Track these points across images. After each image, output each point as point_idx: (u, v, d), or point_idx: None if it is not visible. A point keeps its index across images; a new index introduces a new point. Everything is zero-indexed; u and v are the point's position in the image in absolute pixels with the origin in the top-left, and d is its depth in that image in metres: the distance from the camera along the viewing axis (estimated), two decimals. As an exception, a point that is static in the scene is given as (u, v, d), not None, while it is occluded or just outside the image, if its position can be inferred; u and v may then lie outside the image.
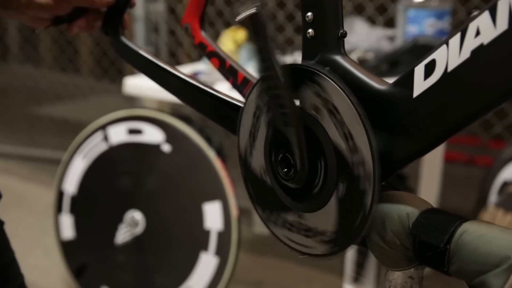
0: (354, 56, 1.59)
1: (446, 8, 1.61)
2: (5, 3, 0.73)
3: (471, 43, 0.43)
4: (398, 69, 1.49)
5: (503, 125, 2.13)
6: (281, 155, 0.54)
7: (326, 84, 0.51)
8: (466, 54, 0.43)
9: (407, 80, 0.48)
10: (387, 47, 1.65)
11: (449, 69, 0.44)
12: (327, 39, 0.54)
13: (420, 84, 0.47)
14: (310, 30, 0.55)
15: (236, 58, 1.70)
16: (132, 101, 2.38)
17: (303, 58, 0.56)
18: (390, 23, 1.97)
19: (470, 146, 2.53)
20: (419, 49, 1.48)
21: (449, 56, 0.44)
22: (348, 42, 1.65)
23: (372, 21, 2.11)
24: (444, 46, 0.45)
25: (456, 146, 2.51)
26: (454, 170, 2.41)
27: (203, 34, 0.77)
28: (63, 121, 3.46)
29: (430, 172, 1.75)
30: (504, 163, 1.57)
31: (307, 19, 0.54)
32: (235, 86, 0.71)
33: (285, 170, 0.54)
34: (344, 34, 0.54)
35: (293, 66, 0.54)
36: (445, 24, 1.60)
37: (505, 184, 1.53)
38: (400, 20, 1.66)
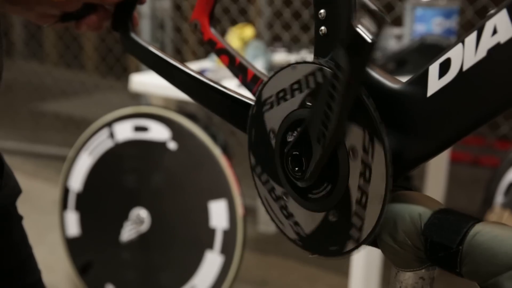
0: (361, 55, 1.59)
1: (454, 7, 1.60)
2: None
3: (488, 41, 0.42)
4: (405, 68, 1.49)
5: (510, 125, 2.12)
6: (290, 158, 0.54)
7: (326, 74, 0.50)
8: (482, 53, 0.43)
9: (421, 79, 0.47)
10: (394, 46, 1.64)
11: (465, 68, 0.44)
12: (340, 37, 0.53)
13: (435, 83, 0.46)
14: (322, 28, 0.54)
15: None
16: (138, 98, 2.39)
17: (315, 55, 0.55)
18: (397, 21, 1.97)
19: (476, 146, 2.52)
20: (427, 48, 1.47)
21: (465, 54, 0.44)
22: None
23: (379, 19, 2.09)
24: (460, 44, 0.44)
25: (462, 147, 2.50)
26: (460, 170, 2.40)
27: (212, 31, 0.76)
28: (68, 118, 3.46)
29: (436, 172, 1.75)
30: (510, 164, 1.56)
31: (319, 16, 0.54)
32: (245, 83, 0.71)
33: (296, 168, 0.54)
34: (357, 32, 0.53)
35: (305, 64, 0.53)
36: (452, 23, 1.60)
37: (511, 185, 1.53)
38: (407, 19, 1.65)
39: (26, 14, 0.76)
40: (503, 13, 0.41)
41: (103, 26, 0.80)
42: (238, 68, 0.71)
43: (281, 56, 1.73)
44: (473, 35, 0.43)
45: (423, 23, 1.59)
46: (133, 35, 0.76)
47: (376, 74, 0.51)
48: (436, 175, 1.75)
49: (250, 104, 0.61)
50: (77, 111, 3.52)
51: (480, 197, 1.63)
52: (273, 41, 2.33)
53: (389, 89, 0.49)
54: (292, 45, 1.92)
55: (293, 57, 1.74)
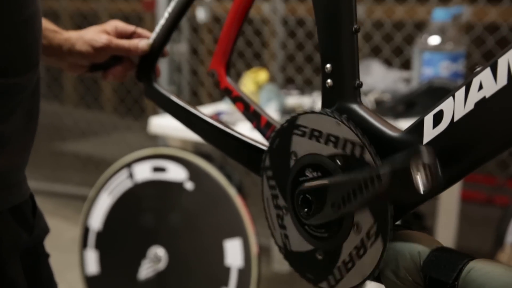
0: (371, 97, 1.64)
1: (461, 51, 1.66)
2: (48, 50, 0.79)
3: (475, 96, 0.47)
4: (414, 110, 1.53)
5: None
6: (301, 196, 0.58)
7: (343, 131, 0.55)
8: (470, 106, 0.48)
9: (418, 128, 0.52)
10: (403, 88, 1.70)
11: (455, 119, 0.49)
12: (344, 89, 0.58)
13: (429, 132, 0.51)
14: (329, 81, 0.59)
15: (257, 99, 1.77)
16: (154, 138, 2.45)
17: (323, 106, 0.60)
18: (406, 65, 2.03)
19: (488, 185, 2.54)
20: (435, 91, 1.52)
21: (455, 107, 0.49)
22: (366, 83, 1.70)
23: (388, 63, 2.16)
24: (451, 98, 0.49)
25: (473, 186, 2.52)
26: (471, 209, 2.41)
27: (228, 80, 0.82)
28: (87, 158, 3.54)
29: (447, 211, 1.77)
30: (521, 203, 1.58)
31: (326, 70, 0.59)
32: (259, 128, 0.76)
33: (306, 210, 0.58)
34: (360, 85, 0.59)
35: (313, 113, 0.58)
36: (459, 66, 1.65)
37: (522, 224, 1.54)
38: (416, 63, 1.70)
39: (59, 64, 0.83)
40: (488, 71, 0.47)
41: (128, 76, 0.87)
42: (253, 115, 0.76)
43: (293, 100, 1.79)
44: (462, 89, 0.48)
45: (431, 66, 1.64)
46: (155, 85, 0.82)
47: (376, 123, 0.56)
48: (447, 214, 1.77)
49: (263, 150, 0.66)
50: (96, 151, 3.61)
51: (492, 236, 1.65)
52: (286, 84, 2.40)
53: (389, 137, 0.54)
54: (305, 88, 1.98)
55: (305, 100, 1.80)
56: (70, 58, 0.81)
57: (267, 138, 0.73)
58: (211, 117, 0.75)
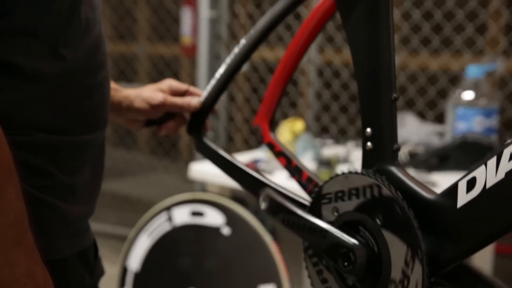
0: (405, 149, 1.68)
1: (494, 107, 1.69)
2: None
3: (506, 166, 0.52)
4: (447, 164, 1.56)
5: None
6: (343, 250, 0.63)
7: (382, 191, 0.60)
8: (501, 174, 0.52)
9: (452, 193, 0.56)
10: (436, 142, 1.73)
11: (488, 186, 0.53)
12: (383, 152, 0.63)
13: (463, 197, 0.55)
14: (369, 143, 0.64)
15: (293, 148, 1.82)
16: (190, 180, 2.52)
17: (363, 167, 0.66)
18: (439, 118, 2.06)
19: (523, 240, 2.51)
20: (468, 146, 1.55)
21: (487, 175, 0.53)
22: (399, 135, 1.74)
23: (422, 116, 2.20)
24: (483, 166, 0.54)
25: (508, 239, 2.48)
26: (506, 263, 2.38)
27: (272, 135, 0.87)
28: (124, 198, 3.63)
29: (481, 265, 1.77)
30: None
31: (366, 134, 0.64)
32: (300, 182, 0.80)
33: (346, 264, 0.62)
34: (399, 148, 0.64)
35: (353, 174, 0.64)
36: (493, 122, 1.68)
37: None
38: (449, 117, 1.74)
39: (118, 119, 0.91)
40: (517, 143, 0.51)
41: (179, 130, 0.94)
42: (295, 170, 0.81)
43: (329, 150, 1.84)
44: (493, 159, 0.53)
45: (464, 121, 1.67)
46: (205, 140, 0.88)
47: (413, 185, 0.61)
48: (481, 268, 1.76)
49: (305, 204, 0.71)
50: (132, 191, 3.69)
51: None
52: (321, 132, 2.46)
53: (425, 199, 0.59)
54: (339, 137, 2.03)
55: (340, 149, 1.85)
56: (128, 114, 0.89)
57: (308, 192, 0.78)
58: (253, 169, 0.81)
